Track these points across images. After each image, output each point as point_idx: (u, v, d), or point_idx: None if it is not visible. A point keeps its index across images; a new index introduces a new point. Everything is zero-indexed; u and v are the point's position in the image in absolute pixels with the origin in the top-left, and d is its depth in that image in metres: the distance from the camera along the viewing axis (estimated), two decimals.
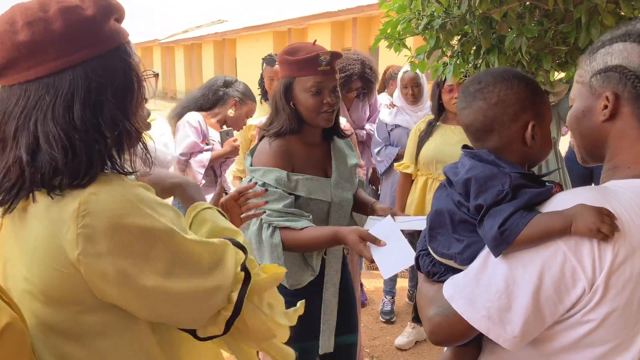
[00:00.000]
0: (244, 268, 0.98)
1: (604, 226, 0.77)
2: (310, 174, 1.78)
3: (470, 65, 2.09)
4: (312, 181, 1.76)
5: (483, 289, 0.86)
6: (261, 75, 3.29)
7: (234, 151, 2.92)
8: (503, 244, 0.85)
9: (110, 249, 0.82)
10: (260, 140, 1.85)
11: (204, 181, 2.91)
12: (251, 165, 1.79)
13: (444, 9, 1.70)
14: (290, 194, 1.72)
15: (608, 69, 0.87)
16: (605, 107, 0.88)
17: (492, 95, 0.99)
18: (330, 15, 14.83)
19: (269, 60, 3.18)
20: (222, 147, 2.94)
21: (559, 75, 2.24)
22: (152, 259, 0.85)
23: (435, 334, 0.95)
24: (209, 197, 2.98)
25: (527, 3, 1.71)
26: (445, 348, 1.10)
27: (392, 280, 3.52)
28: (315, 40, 1.83)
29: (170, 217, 0.89)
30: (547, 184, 0.94)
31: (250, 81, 3.54)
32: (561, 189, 0.96)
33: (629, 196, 0.82)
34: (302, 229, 1.66)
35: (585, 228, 0.78)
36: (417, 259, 1.12)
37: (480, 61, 2.03)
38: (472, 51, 1.98)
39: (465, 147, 1.05)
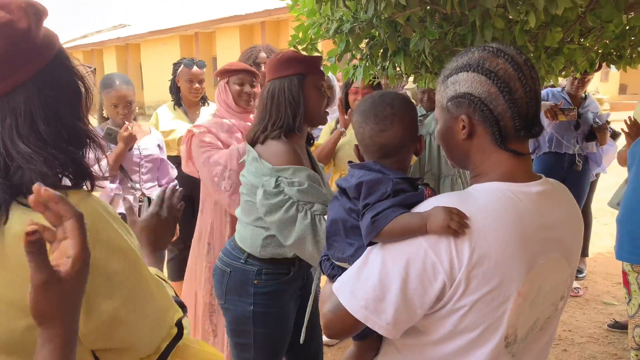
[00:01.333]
0: (179, 324, 0.98)
1: (452, 223, 0.88)
2: None
3: (378, 67, 2.19)
4: (321, 179, 1.82)
5: (362, 283, 0.96)
6: (173, 80, 3.21)
7: (129, 141, 2.71)
8: (373, 232, 0.96)
9: None
10: (257, 143, 1.78)
11: (119, 191, 2.78)
12: (274, 166, 1.71)
13: (352, 14, 1.77)
14: None
15: (459, 96, 1.00)
16: (463, 127, 1.00)
17: (406, 118, 1.16)
18: (238, 19, 14.70)
19: (187, 63, 3.13)
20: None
21: None
22: (117, 280, 0.84)
23: (329, 327, 1.03)
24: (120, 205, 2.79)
25: (428, 7, 1.82)
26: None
27: (318, 279, 3.57)
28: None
29: (134, 241, 0.89)
30: (419, 187, 1.10)
31: (159, 86, 3.44)
32: (433, 192, 1.13)
33: (484, 198, 0.94)
34: None
35: (437, 225, 0.89)
36: (320, 263, 1.25)
37: (387, 63, 2.13)
38: (379, 54, 2.07)
39: (350, 162, 1.19)
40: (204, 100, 3.33)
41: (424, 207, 0.96)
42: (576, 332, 3.25)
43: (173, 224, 1.27)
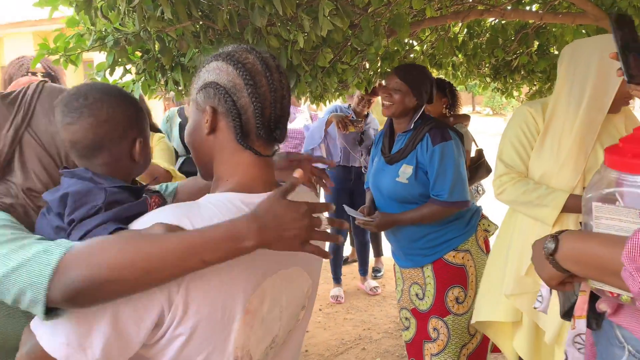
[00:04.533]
0: None
1: None
2: None
3: (160, 82, 2.08)
4: None
5: (66, 316, 0.81)
6: None
7: None
8: None
9: None
10: None
11: None
12: None
13: (114, 26, 1.65)
14: None
15: (206, 85, 0.94)
16: (207, 120, 0.93)
17: (102, 112, 0.98)
18: (30, 24, 13.21)
19: None
20: None
21: None
22: None
23: None
24: None
25: (201, 23, 1.78)
26: None
27: None
28: None
29: None
30: (144, 195, 0.99)
31: None
32: (161, 200, 1.01)
33: (210, 211, 0.86)
34: None
35: None
36: None
37: (168, 77, 2.04)
38: (156, 68, 1.97)
39: (64, 168, 1.02)
40: None
41: (143, 221, 0.85)
42: (374, 329, 3.51)
43: None
